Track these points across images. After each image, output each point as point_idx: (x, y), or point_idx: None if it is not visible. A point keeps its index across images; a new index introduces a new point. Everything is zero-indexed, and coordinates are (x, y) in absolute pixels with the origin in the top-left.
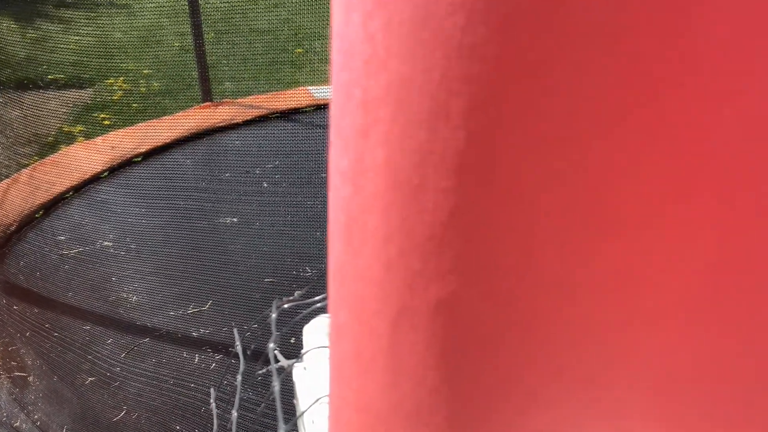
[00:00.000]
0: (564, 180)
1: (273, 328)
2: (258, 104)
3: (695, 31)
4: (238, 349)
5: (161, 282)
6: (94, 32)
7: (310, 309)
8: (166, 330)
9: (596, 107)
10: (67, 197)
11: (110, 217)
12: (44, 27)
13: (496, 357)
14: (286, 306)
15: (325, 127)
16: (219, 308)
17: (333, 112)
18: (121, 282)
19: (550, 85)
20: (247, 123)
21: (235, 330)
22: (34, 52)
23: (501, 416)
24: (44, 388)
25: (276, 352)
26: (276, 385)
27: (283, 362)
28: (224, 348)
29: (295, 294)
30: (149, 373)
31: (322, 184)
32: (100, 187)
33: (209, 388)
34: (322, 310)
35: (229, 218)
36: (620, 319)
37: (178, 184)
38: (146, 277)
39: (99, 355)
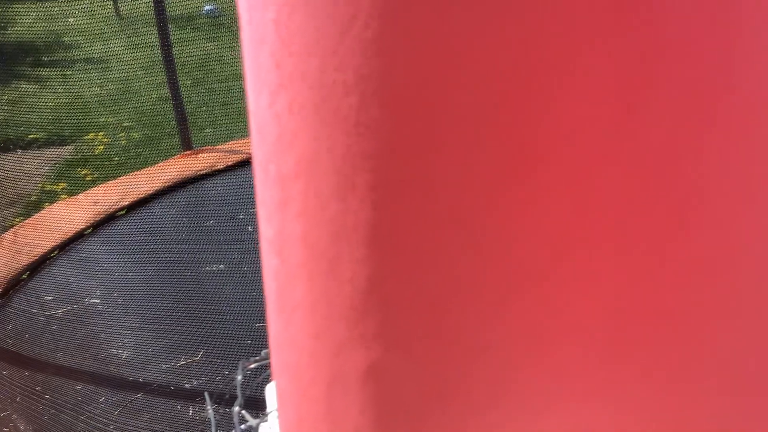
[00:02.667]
0: (469, 242)
1: (238, 391)
2: (238, 149)
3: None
4: (210, 413)
5: (151, 335)
6: (72, 89)
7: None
8: (159, 384)
9: (491, 172)
10: (51, 257)
11: (96, 273)
12: (21, 87)
13: (427, 420)
14: (252, 366)
15: None
16: (211, 357)
17: (256, 185)
18: (111, 338)
19: (445, 157)
20: (229, 168)
21: (206, 395)
22: (12, 113)
23: None
24: None
25: (243, 412)
26: None
27: (252, 422)
28: (219, 398)
29: (262, 353)
30: (144, 430)
31: None
32: (85, 244)
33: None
34: None
35: (216, 266)
36: (537, 373)
37: (162, 235)
38: (135, 331)
39: (92, 414)
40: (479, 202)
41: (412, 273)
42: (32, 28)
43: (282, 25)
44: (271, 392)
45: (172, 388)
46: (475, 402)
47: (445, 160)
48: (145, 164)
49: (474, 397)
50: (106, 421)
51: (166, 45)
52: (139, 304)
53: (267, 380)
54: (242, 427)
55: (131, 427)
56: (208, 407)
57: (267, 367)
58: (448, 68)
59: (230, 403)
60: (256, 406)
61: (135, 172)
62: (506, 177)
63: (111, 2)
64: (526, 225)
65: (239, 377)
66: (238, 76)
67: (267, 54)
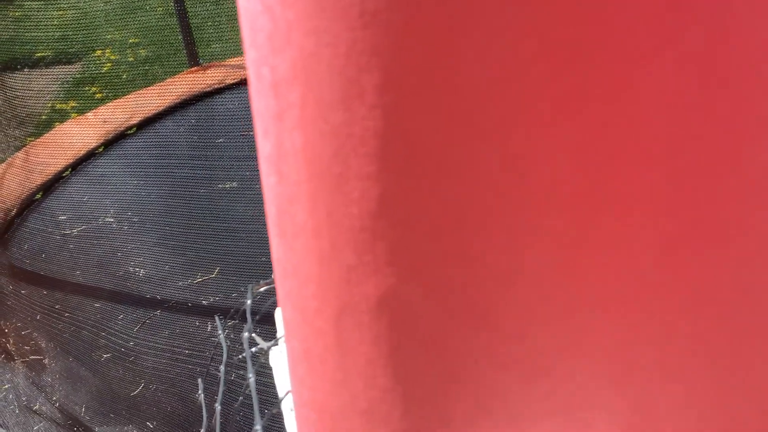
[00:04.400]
0: (495, 157)
1: (248, 315)
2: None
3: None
4: (221, 338)
5: (167, 253)
6: (76, 4)
7: None
8: (176, 301)
9: (519, 82)
10: (64, 176)
11: (109, 192)
12: (25, 5)
13: (445, 353)
14: (262, 290)
15: None
16: (227, 275)
17: (251, 93)
18: (127, 256)
19: (468, 48)
20: (237, 84)
21: (217, 319)
22: (17, 31)
23: (458, 412)
24: (60, 369)
25: (254, 335)
26: (251, 376)
27: (262, 344)
28: (234, 315)
29: (272, 276)
30: (163, 346)
31: None
32: (97, 163)
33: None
34: None
35: (229, 183)
36: (568, 308)
37: (173, 152)
38: (151, 249)
39: (112, 331)
40: (507, 110)
41: (429, 189)
42: None
43: None
44: (280, 317)
45: (189, 304)
46: (501, 335)
47: (469, 52)
48: (153, 80)
49: (499, 329)
50: (126, 337)
51: None
52: (153, 222)
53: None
54: (253, 350)
55: (151, 343)
56: (220, 332)
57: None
58: None
59: (246, 320)
60: (270, 323)
61: (143, 89)
62: (542, 80)
63: None
64: (558, 152)
65: (248, 301)
66: None
67: None
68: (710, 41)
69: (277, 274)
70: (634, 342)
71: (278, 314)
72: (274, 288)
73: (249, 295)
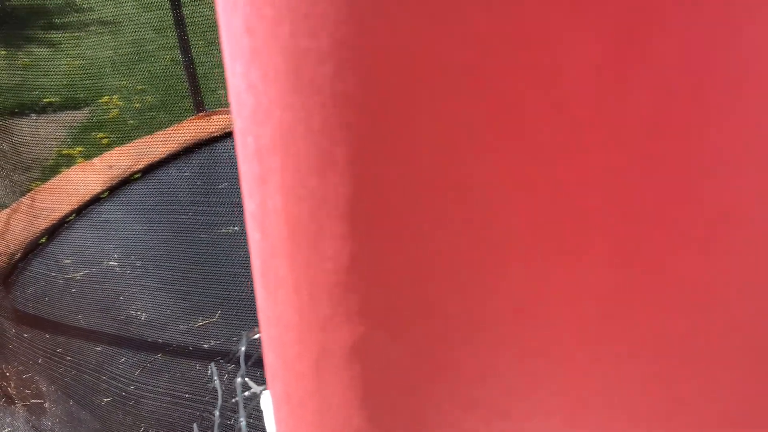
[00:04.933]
0: (452, 217)
1: (241, 361)
2: None
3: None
4: (216, 384)
5: (169, 297)
6: (85, 52)
7: None
8: (178, 345)
9: (474, 145)
10: (69, 221)
11: (113, 236)
12: (35, 52)
13: (412, 395)
14: (255, 336)
15: None
16: (228, 318)
17: (238, 158)
18: (130, 300)
19: (425, 128)
20: None
21: (211, 367)
22: (26, 77)
23: None
24: (61, 413)
25: (246, 380)
26: (242, 420)
27: (255, 389)
28: (233, 357)
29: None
30: (164, 390)
31: None
32: (101, 208)
33: (224, 400)
34: None
35: (231, 227)
36: (527, 351)
37: (177, 197)
38: (154, 293)
39: (113, 375)
40: (462, 174)
41: (395, 249)
42: None
43: None
44: None
45: (190, 348)
46: (462, 379)
47: (426, 131)
48: (159, 127)
49: (461, 373)
50: (127, 381)
51: (176, 5)
52: (156, 266)
53: None
54: (246, 394)
55: (152, 386)
56: (215, 378)
57: None
58: (428, 32)
59: (248, 363)
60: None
61: (149, 136)
62: (491, 150)
63: None
64: (512, 201)
65: (242, 348)
66: None
67: (240, 19)
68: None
69: (262, 322)
70: (588, 383)
71: None
72: None
73: (243, 341)
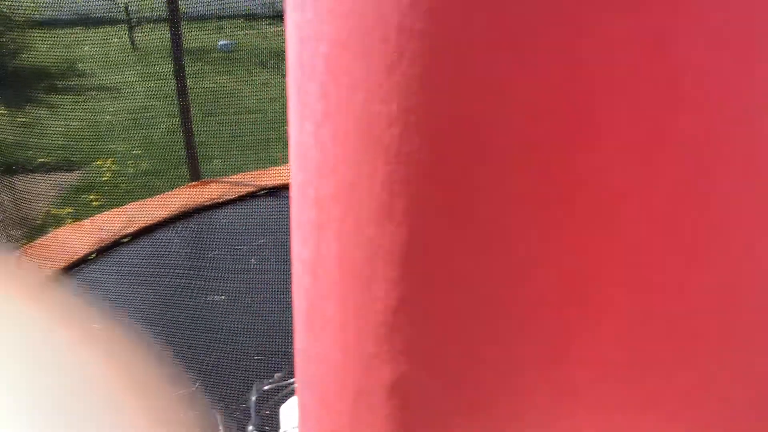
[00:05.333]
0: (497, 268)
1: (252, 411)
2: (246, 181)
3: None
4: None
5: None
6: (83, 116)
7: (290, 389)
8: None
9: (524, 205)
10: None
11: (98, 299)
12: (33, 112)
13: (448, 431)
14: (266, 388)
15: None
16: (207, 388)
17: (293, 207)
18: None
19: (480, 186)
20: (235, 200)
21: (217, 416)
22: (23, 136)
23: None
24: None
25: None
26: None
27: None
28: (214, 430)
29: (275, 376)
30: None
31: None
32: (88, 269)
33: None
34: None
35: (217, 296)
36: (562, 394)
37: (165, 262)
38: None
39: None
40: (510, 230)
41: (442, 294)
42: (47, 54)
43: (332, 59)
44: (286, 411)
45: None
46: (497, 418)
47: (481, 189)
48: (152, 193)
49: (496, 412)
50: None
51: (180, 76)
52: (137, 330)
53: (278, 402)
54: None
55: None
56: (220, 427)
57: (280, 389)
58: (488, 104)
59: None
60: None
61: (143, 200)
62: (538, 208)
63: (126, 33)
64: (553, 252)
65: (253, 398)
66: (249, 110)
67: (316, 85)
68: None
69: (300, 362)
70: (619, 423)
71: (284, 410)
72: (276, 388)
73: (253, 392)
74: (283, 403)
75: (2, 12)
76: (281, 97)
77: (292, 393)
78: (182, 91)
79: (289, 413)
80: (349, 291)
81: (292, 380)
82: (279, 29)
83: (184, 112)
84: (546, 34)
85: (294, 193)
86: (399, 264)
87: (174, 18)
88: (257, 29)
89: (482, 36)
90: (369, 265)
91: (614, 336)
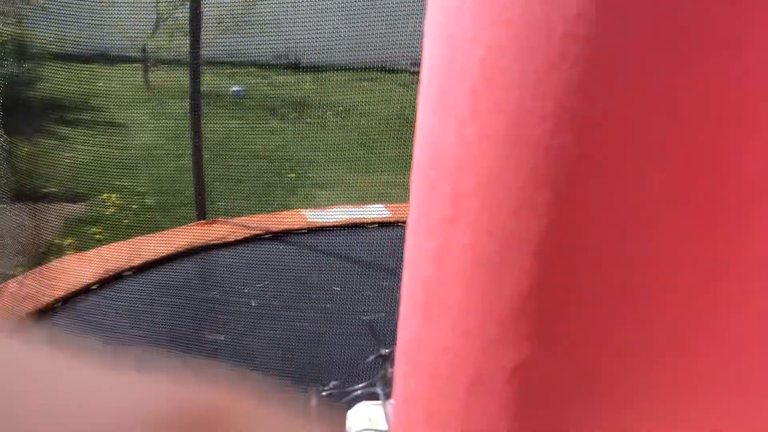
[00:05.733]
0: (630, 259)
1: (314, 412)
2: (252, 224)
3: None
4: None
5: None
6: (91, 149)
7: (351, 396)
8: None
9: (665, 203)
10: (55, 308)
11: (96, 330)
12: (43, 143)
13: (566, 414)
14: (324, 393)
15: (316, 249)
16: None
17: (418, 202)
18: None
19: (625, 183)
20: (240, 242)
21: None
22: (31, 165)
23: None
24: None
25: None
26: None
27: None
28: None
29: (331, 384)
30: None
31: (311, 306)
32: (89, 300)
33: None
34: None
35: (216, 336)
36: (678, 383)
37: (166, 299)
38: None
39: None
40: (650, 224)
41: (573, 283)
42: (61, 87)
43: (488, 62)
44: (354, 416)
45: None
46: (615, 398)
47: (625, 184)
48: (155, 229)
49: (614, 393)
50: None
51: (196, 116)
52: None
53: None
54: None
55: None
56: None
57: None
58: (641, 106)
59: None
60: None
61: (149, 234)
62: (677, 205)
63: (141, 72)
64: (690, 244)
65: (313, 402)
66: (256, 155)
67: (466, 86)
68: None
69: (409, 351)
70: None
71: (351, 415)
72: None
73: (313, 396)
74: (351, 408)
75: (24, 43)
76: (287, 145)
77: (352, 401)
78: (197, 131)
79: (356, 418)
80: (477, 279)
81: (357, 386)
82: (287, 79)
83: (196, 153)
84: (703, 45)
85: (422, 190)
86: (533, 253)
87: (194, 60)
88: (268, 78)
89: (642, 43)
90: (500, 254)
91: (743, 330)
